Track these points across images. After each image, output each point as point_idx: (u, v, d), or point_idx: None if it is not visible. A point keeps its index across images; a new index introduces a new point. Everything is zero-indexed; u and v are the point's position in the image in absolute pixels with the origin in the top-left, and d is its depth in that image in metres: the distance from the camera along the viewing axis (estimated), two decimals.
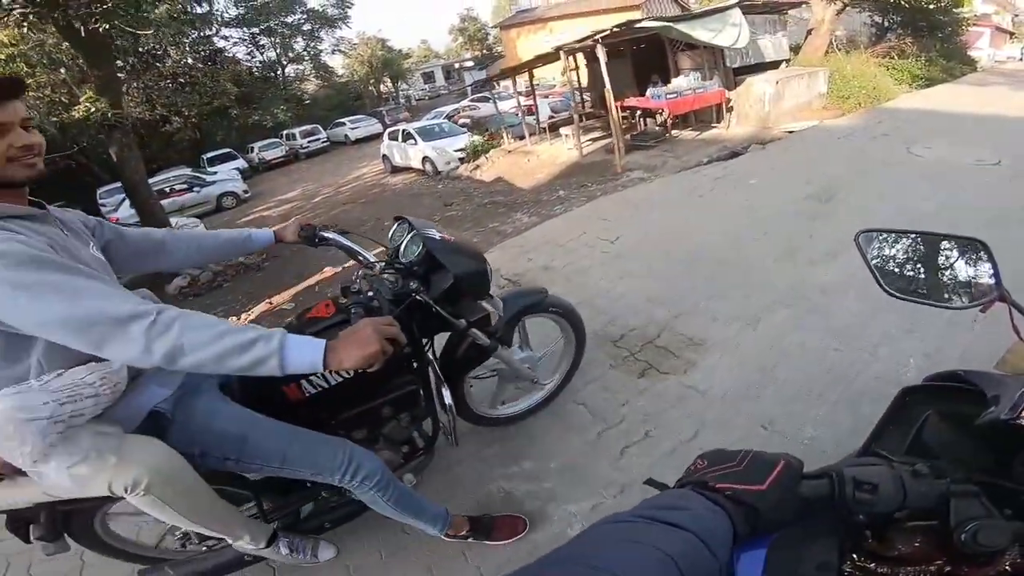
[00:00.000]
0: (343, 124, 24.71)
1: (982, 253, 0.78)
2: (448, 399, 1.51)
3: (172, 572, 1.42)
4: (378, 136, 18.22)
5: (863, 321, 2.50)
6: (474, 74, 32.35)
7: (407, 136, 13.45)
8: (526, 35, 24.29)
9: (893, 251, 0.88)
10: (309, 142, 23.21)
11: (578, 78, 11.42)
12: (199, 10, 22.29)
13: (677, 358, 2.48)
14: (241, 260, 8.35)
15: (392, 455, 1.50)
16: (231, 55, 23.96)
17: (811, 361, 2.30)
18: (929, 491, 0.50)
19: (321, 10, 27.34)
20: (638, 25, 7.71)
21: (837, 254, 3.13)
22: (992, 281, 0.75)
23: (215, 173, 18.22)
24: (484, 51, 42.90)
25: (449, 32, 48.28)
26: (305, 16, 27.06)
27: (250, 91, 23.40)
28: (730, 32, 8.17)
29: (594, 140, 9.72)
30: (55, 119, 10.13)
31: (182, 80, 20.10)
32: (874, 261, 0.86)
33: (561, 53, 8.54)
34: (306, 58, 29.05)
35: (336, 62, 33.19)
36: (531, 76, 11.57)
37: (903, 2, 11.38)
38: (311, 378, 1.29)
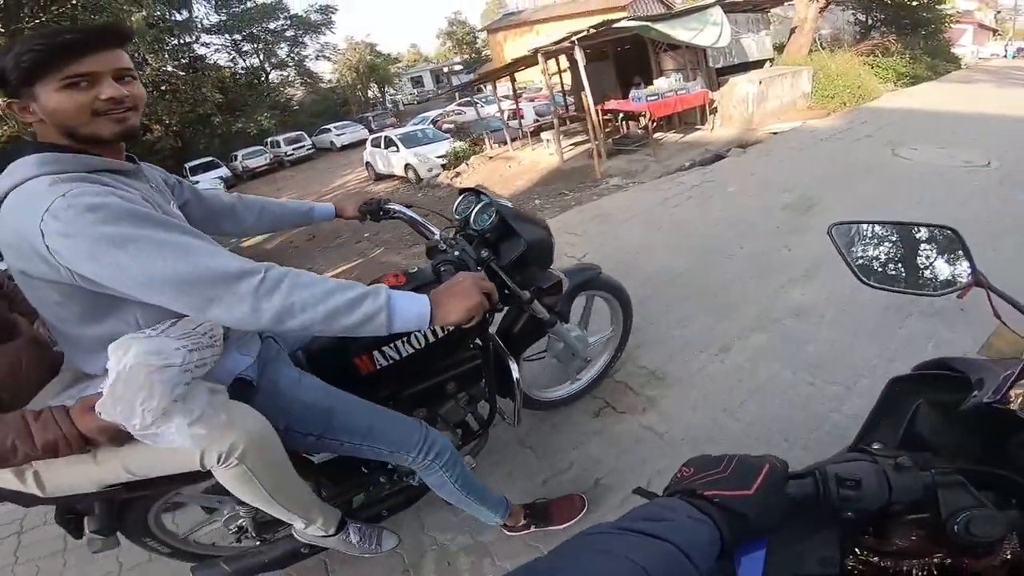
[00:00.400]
0: (329, 131, 24.52)
1: (954, 240, 0.78)
2: (516, 373, 1.51)
3: (227, 567, 1.35)
4: (365, 142, 18.03)
5: (840, 350, 2.27)
6: (462, 78, 32.15)
7: (389, 143, 13.26)
8: (513, 38, 24.16)
9: (867, 242, 0.88)
10: (294, 149, 22.95)
11: (561, 81, 11.24)
12: (179, 17, 22.03)
13: (636, 395, 2.25)
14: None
15: (450, 435, 1.48)
16: (212, 62, 23.69)
17: (781, 398, 2.07)
18: (914, 484, 0.50)
19: (305, 16, 27.12)
20: (616, 25, 7.50)
21: (815, 271, 2.90)
22: (967, 267, 0.76)
23: (196, 183, 17.84)
24: (472, 55, 42.74)
25: (437, 36, 48.17)
26: (288, 22, 26.80)
27: (233, 98, 23.16)
28: (711, 31, 7.98)
29: (577, 145, 9.50)
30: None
31: (163, 88, 19.84)
32: (849, 253, 0.85)
33: (539, 56, 8.33)
34: (290, 64, 28.79)
35: (323, 68, 32.99)
36: (513, 80, 11.38)
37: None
38: (384, 349, 1.27)
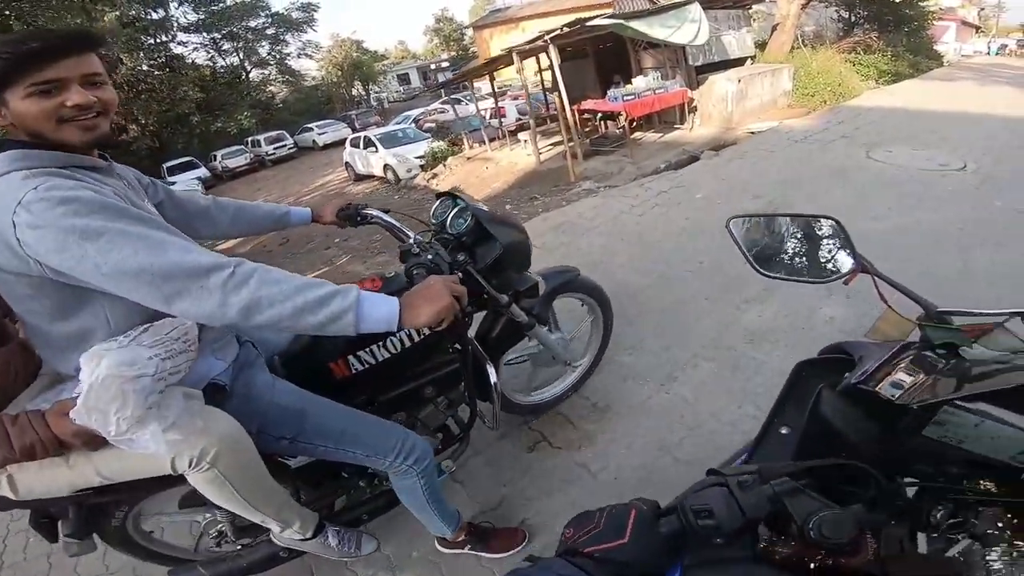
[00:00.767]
0: (311, 129, 24.05)
1: (838, 229, 0.83)
2: (493, 377, 1.50)
3: (204, 572, 1.35)
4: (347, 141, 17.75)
5: None
6: (448, 75, 31.83)
7: (368, 143, 12.99)
8: (499, 35, 23.83)
9: (762, 234, 0.92)
10: (275, 148, 22.48)
11: (541, 80, 11.03)
12: (154, 16, 21.52)
13: (575, 429, 2.08)
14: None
15: (430, 439, 1.46)
16: (191, 61, 23.19)
17: (722, 435, 1.90)
18: (759, 499, 0.51)
19: (286, 14, 26.60)
20: (590, 23, 7.29)
21: (774, 288, 2.73)
22: (850, 255, 0.80)
23: (174, 184, 17.52)
24: (459, 51, 42.34)
25: (424, 33, 47.71)
26: (269, 20, 26.29)
27: (213, 97, 22.71)
28: (688, 28, 7.80)
29: (556, 145, 9.27)
30: None
31: (138, 88, 19.36)
32: (746, 245, 0.89)
33: (514, 55, 8.10)
34: (271, 63, 28.28)
35: (308, 65, 32.49)
36: (492, 79, 11.15)
37: None
38: (359, 354, 1.27)
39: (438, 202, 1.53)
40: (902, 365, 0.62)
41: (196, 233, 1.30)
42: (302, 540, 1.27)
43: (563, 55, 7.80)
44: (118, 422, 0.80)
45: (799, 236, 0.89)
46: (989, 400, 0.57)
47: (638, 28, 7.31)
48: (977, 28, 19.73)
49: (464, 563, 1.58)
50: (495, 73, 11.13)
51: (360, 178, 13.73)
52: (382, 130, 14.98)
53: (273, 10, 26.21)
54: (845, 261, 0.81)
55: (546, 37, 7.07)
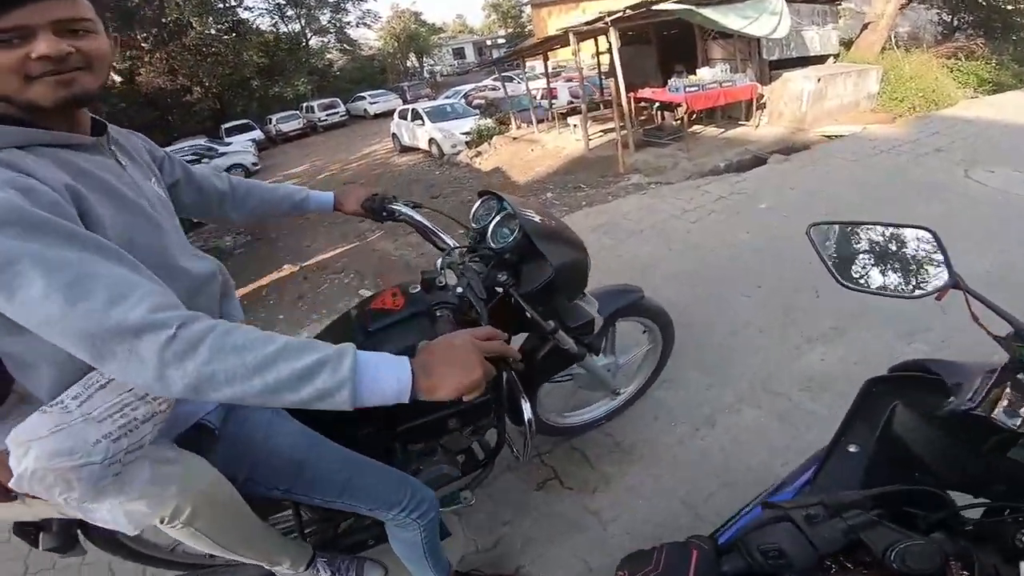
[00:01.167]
0: (363, 98, 24.36)
1: (932, 242, 0.78)
2: (528, 413, 1.30)
3: None
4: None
5: None
6: (503, 52, 31.24)
7: (416, 116, 12.90)
8: (557, 14, 23.05)
9: (846, 244, 0.87)
10: (328, 115, 22.87)
11: (599, 63, 10.49)
12: None
13: (592, 469, 1.83)
14: (216, 244, 7.98)
15: (450, 467, 1.32)
16: (255, 26, 23.66)
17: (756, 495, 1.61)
18: (832, 534, 0.50)
19: None
20: (657, 7, 6.73)
21: (845, 328, 2.33)
22: (944, 269, 0.75)
23: (230, 144, 18.08)
24: (517, 29, 41.42)
25: (483, 8, 46.93)
26: None
27: (274, 63, 23.16)
28: (767, 21, 7.12)
29: (607, 132, 8.79)
30: None
31: (204, 51, 19.93)
32: (827, 254, 0.84)
33: (570, 35, 7.67)
34: (331, 31, 28.49)
35: (366, 35, 32.59)
36: (545, 59, 10.71)
37: (980, 0, 9.97)
38: None
39: (479, 202, 1.31)
40: (1006, 390, 0.58)
41: (213, 215, 1.20)
42: (294, 574, 1.20)
43: (623, 39, 7.29)
44: (65, 501, 0.68)
45: (886, 247, 0.84)
46: None
47: (711, 16, 6.73)
48: None
49: None
50: (550, 53, 10.69)
51: (405, 150, 13.71)
52: (431, 104, 14.83)
53: None
54: (938, 276, 0.75)
55: (607, 19, 6.59)
